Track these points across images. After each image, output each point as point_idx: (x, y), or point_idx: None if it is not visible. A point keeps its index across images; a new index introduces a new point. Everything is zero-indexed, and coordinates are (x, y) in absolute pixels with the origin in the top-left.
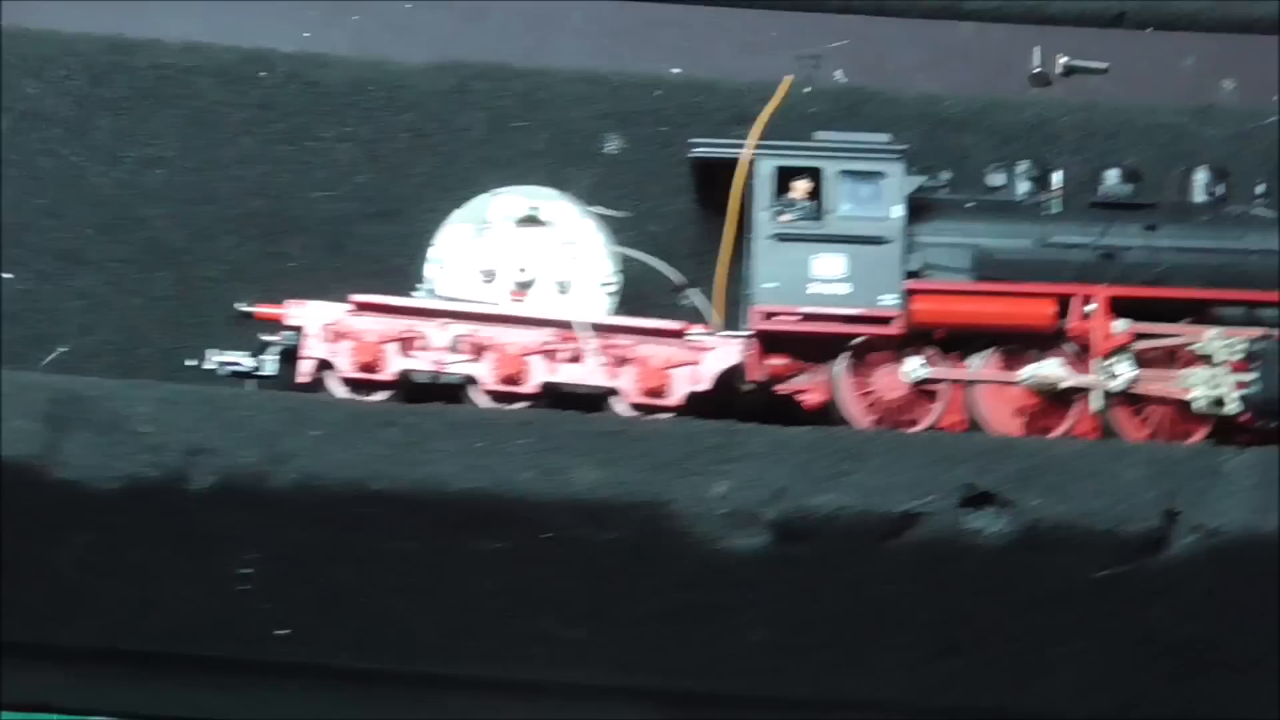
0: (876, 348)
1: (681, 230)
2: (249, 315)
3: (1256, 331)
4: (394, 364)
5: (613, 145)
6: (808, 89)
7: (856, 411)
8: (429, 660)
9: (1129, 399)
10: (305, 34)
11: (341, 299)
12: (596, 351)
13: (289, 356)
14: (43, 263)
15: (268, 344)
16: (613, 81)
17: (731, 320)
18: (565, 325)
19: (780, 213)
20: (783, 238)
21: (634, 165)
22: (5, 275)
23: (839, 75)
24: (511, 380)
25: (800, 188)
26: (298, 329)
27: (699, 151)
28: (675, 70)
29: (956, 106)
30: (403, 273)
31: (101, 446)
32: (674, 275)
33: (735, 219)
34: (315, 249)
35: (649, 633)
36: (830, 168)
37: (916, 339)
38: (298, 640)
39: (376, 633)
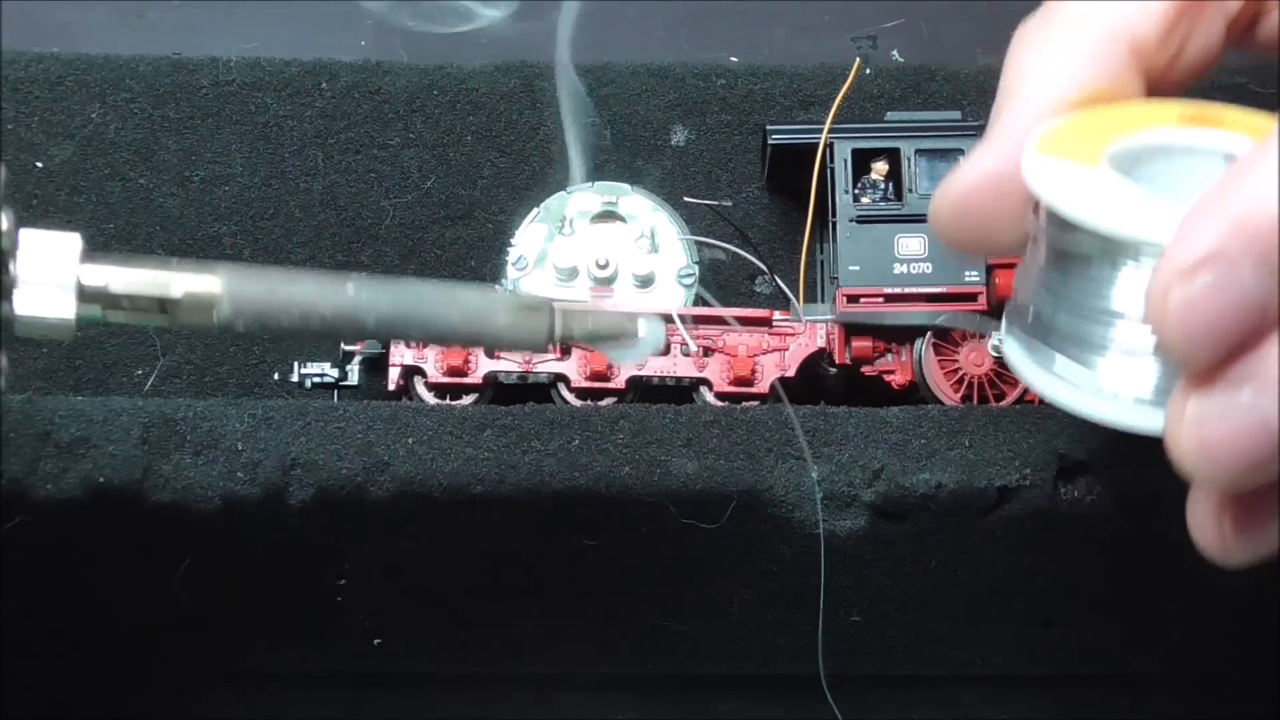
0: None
1: (753, 217)
2: None
3: None
4: (481, 366)
5: (679, 136)
6: (868, 70)
7: (945, 389)
8: (534, 662)
9: None
10: (361, 42)
11: None
12: (690, 343)
13: (371, 365)
14: None
15: (351, 354)
16: (676, 73)
17: (809, 305)
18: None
19: (859, 195)
20: (863, 220)
21: (702, 155)
22: None
23: (895, 55)
24: (600, 376)
25: (878, 169)
26: None
27: (776, 138)
28: (734, 59)
29: None
30: (477, 274)
31: (198, 467)
32: (758, 262)
33: (815, 203)
34: (388, 256)
35: (753, 620)
36: (907, 148)
37: (998, 313)
38: (400, 649)
39: (480, 637)
